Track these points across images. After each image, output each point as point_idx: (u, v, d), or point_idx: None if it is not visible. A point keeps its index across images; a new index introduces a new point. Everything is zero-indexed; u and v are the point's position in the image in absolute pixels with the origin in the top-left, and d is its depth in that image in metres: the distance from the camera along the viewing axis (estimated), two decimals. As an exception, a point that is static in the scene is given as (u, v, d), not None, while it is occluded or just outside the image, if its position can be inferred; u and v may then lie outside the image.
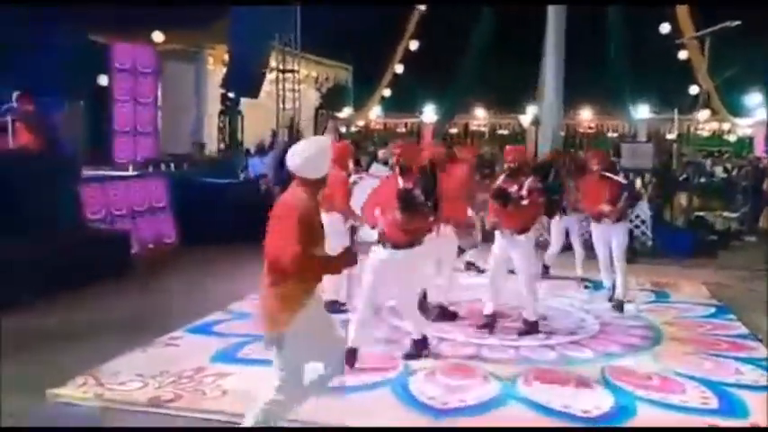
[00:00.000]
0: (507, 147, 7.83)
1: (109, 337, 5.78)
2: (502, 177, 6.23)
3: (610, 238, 7.06)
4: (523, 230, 5.97)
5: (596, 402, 4.54)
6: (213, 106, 15.67)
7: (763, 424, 4.30)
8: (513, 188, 5.97)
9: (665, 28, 20.31)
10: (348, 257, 3.58)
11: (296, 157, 3.45)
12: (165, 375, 4.91)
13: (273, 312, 3.41)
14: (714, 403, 4.64)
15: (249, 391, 4.52)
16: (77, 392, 4.61)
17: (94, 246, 8.02)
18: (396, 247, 5.04)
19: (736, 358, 5.60)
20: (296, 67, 17.02)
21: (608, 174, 7.19)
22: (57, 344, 5.64)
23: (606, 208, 6.96)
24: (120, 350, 5.41)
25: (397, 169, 5.29)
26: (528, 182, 6.01)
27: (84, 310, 6.68)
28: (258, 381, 4.65)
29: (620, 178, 7.51)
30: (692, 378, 5.07)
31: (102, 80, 11.86)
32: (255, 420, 3.42)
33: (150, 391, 4.63)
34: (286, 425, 3.65)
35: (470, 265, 8.50)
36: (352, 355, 4.78)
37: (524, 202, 5.89)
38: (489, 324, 6.17)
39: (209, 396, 4.58)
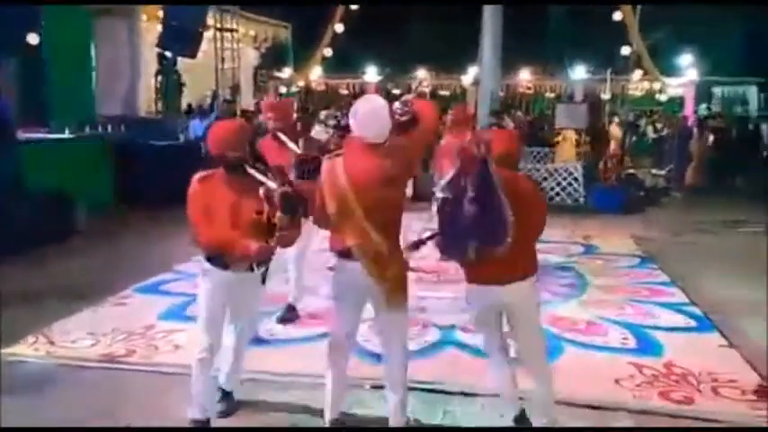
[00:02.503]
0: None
1: (57, 299, 5.85)
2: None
3: None
4: None
5: (527, 345, 4.89)
6: (149, 66, 15.31)
7: (676, 362, 4.72)
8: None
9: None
10: None
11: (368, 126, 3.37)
12: (116, 333, 5.05)
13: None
14: (633, 343, 5.07)
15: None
16: (29, 350, 4.72)
17: (37, 209, 7.93)
18: None
19: (656, 303, 6.07)
20: (234, 26, 16.76)
21: None
22: (3, 307, 5.62)
23: None
24: (69, 311, 5.51)
25: None
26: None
27: (29, 273, 6.69)
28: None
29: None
30: (614, 322, 5.51)
31: (33, 39, 11.48)
32: None
33: (102, 348, 4.77)
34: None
35: None
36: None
37: None
38: None
39: (161, 350, 4.76)
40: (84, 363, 4.55)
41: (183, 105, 15.56)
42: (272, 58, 21.30)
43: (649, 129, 19.12)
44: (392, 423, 3.56)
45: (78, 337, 4.96)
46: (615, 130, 14.26)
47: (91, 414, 3.84)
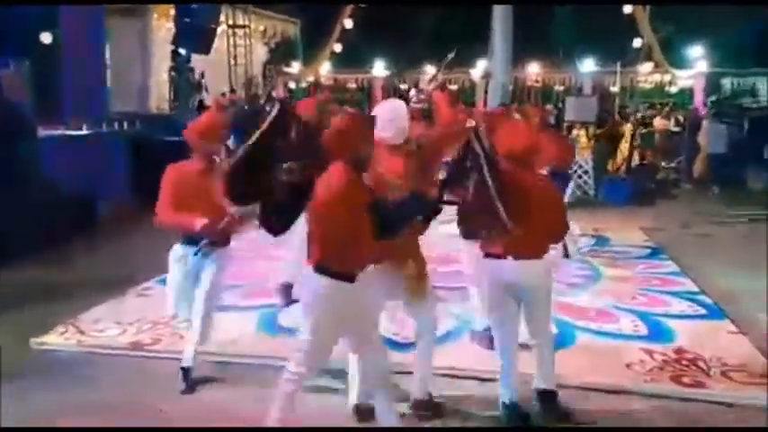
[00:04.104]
0: None
1: (82, 292, 6.01)
2: None
3: None
4: None
5: (541, 332, 5.01)
6: (160, 63, 15.46)
7: (687, 347, 4.83)
8: None
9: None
10: None
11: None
12: (141, 322, 5.22)
13: None
14: (644, 331, 5.19)
15: (223, 334, 4.88)
16: (60, 339, 4.89)
17: (59, 206, 8.10)
18: None
19: (667, 292, 6.18)
20: (247, 22, 16.90)
21: None
22: (31, 300, 5.82)
23: None
24: (95, 302, 5.68)
25: None
26: None
27: (54, 268, 6.87)
28: (229, 325, 5.03)
29: None
30: (625, 310, 5.63)
31: (46, 38, 11.63)
32: None
33: (130, 336, 4.93)
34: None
35: None
36: None
37: None
38: None
39: (186, 339, 4.88)
40: (112, 351, 4.72)
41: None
42: (281, 53, 21.44)
43: (671, 121, 19.02)
44: (414, 393, 3.79)
45: (106, 326, 5.14)
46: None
47: (122, 399, 4.01)
